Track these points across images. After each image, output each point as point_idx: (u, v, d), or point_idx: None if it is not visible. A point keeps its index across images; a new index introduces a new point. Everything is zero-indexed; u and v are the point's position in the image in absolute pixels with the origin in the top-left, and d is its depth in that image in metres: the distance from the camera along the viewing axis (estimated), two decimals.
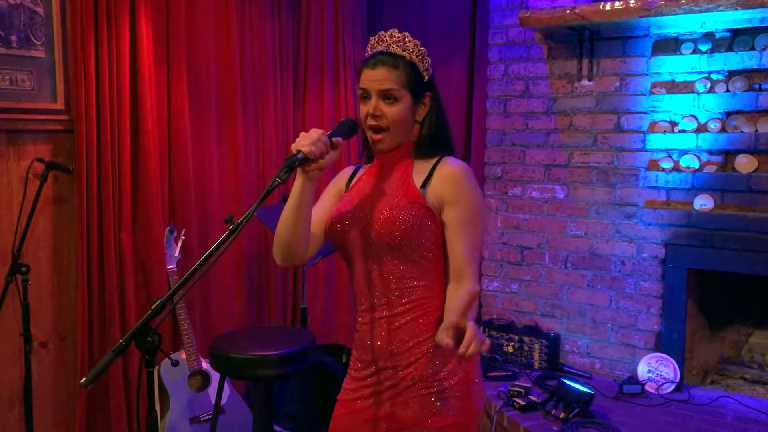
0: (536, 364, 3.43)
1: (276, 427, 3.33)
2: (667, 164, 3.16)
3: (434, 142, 1.70)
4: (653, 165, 3.21)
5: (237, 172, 3.53)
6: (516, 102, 3.58)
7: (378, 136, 1.65)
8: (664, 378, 3.09)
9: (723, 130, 3.04)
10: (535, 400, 2.96)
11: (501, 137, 3.64)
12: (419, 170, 1.67)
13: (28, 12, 2.70)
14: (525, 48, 3.54)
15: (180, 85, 3.19)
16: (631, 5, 2.95)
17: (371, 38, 1.70)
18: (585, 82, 3.37)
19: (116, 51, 2.88)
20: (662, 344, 3.20)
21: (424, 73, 1.67)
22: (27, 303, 2.52)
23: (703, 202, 3.06)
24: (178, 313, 3.01)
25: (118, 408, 2.95)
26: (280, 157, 3.74)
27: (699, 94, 3.09)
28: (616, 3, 2.99)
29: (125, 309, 2.98)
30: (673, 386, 3.07)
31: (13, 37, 2.66)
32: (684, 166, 3.12)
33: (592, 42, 3.30)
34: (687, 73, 3.12)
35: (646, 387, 3.10)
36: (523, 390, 3.04)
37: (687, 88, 3.13)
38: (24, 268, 2.50)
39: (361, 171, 1.79)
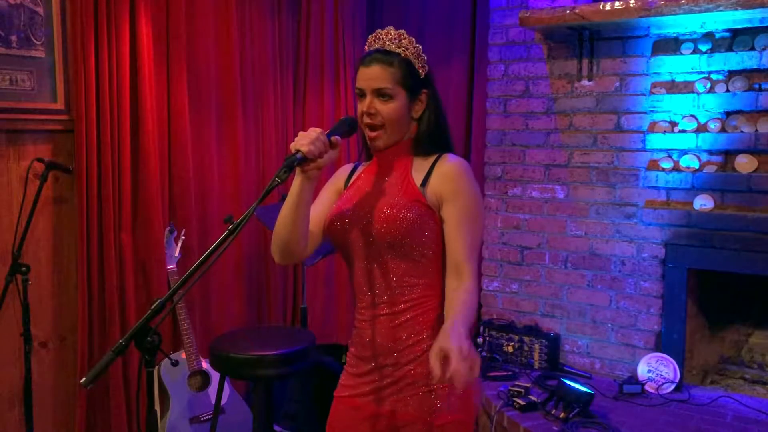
0: (536, 364, 3.43)
1: (276, 427, 3.33)
2: (667, 164, 3.16)
3: (433, 140, 1.70)
4: (653, 165, 3.21)
5: (237, 172, 3.53)
6: (516, 102, 3.58)
7: (374, 134, 1.65)
8: (664, 378, 3.09)
9: (723, 130, 3.04)
10: (535, 400, 2.95)
11: (501, 137, 3.64)
12: (418, 168, 1.67)
13: (28, 12, 2.70)
14: (525, 48, 3.54)
15: (180, 85, 3.19)
16: (631, 5, 2.95)
17: (369, 36, 1.70)
18: (585, 82, 3.37)
19: (116, 51, 2.88)
20: (662, 344, 3.20)
21: (420, 70, 1.67)
22: (27, 303, 2.53)
23: (703, 202, 3.06)
24: (178, 313, 3.01)
25: (118, 408, 2.95)
26: (280, 157, 3.74)
27: (699, 94, 3.09)
28: (616, 3, 2.99)
29: (125, 309, 2.98)
30: (673, 386, 3.07)
31: (13, 37, 2.66)
32: (684, 166, 3.12)
33: (592, 42, 3.30)
34: (687, 73, 3.12)
35: (646, 387, 3.10)
36: (523, 390, 3.04)
37: (687, 88, 3.13)
38: (24, 268, 2.50)
39: (360, 169, 1.79)
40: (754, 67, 2.96)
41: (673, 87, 3.16)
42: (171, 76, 3.17)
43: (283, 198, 1.65)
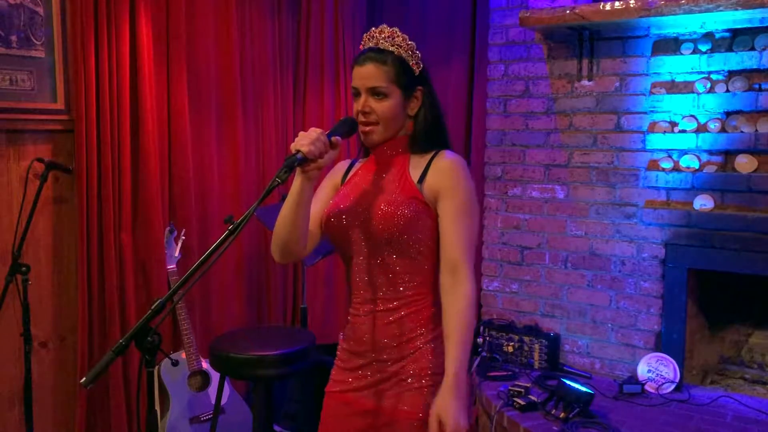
0: (536, 364, 3.43)
1: (276, 427, 3.33)
2: (667, 164, 3.16)
3: (429, 137, 1.71)
4: (653, 165, 3.21)
5: (237, 172, 3.53)
6: (516, 102, 3.58)
7: (368, 128, 1.66)
8: (664, 378, 3.09)
9: (723, 130, 3.04)
10: (535, 400, 2.95)
11: (501, 137, 3.64)
12: (415, 165, 1.68)
13: (28, 12, 2.70)
14: (525, 48, 3.54)
15: (180, 85, 3.19)
16: (631, 5, 2.95)
17: (364, 35, 1.70)
18: (585, 82, 3.37)
19: (116, 51, 2.88)
20: (662, 344, 3.20)
21: (414, 68, 1.68)
22: (27, 303, 2.53)
23: (703, 202, 3.06)
24: (178, 313, 3.01)
25: (118, 408, 2.95)
26: (280, 157, 3.74)
27: (699, 94, 3.09)
28: (616, 3, 2.99)
29: (125, 309, 2.98)
30: (673, 386, 3.07)
31: (13, 37, 2.66)
32: (684, 166, 3.12)
33: (592, 42, 3.30)
34: (687, 73, 3.12)
35: (646, 387, 3.10)
36: (523, 390, 3.04)
37: (687, 88, 3.13)
38: (24, 268, 2.50)
39: (357, 165, 1.80)
40: (754, 67, 2.96)
41: (673, 87, 3.16)
42: (171, 76, 3.17)
43: (283, 198, 1.66)
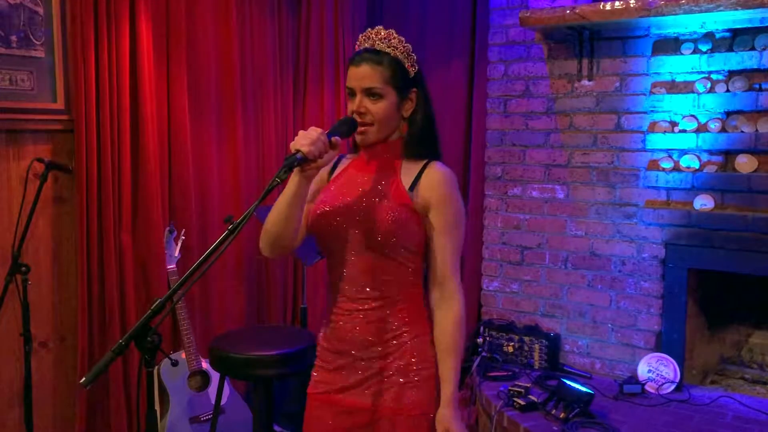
0: (536, 364, 3.43)
1: (276, 427, 3.33)
2: (667, 164, 3.16)
3: (423, 142, 1.72)
4: (653, 165, 3.21)
5: (237, 172, 3.53)
6: (516, 102, 3.58)
7: (362, 129, 1.67)
8: (664, 378, 3.09)
9: (723, 130, 3.04)
10: (535, 400, 2.95)
11: (501, 137, 3.64)
12: (407, 171, 1.70)
13: (28, 12, 2.70)
14: (525, 48, 3.54)
15: (180, 85, 3.19)
16: (631, 5, 2.95)
17: (360, 36, 1.71)
18: (585, 82, 3.37)
19: (116, 51, 2.88)
20: (662, 344, 3.20)
21: (410, 69, 1.68)
22: (27, 303, 2.52)
23: (704, 202, 3.06)
24: (178, 313, 3.01)
25: (118, 408, 2.95)
26: (280, 157, 3.74)
27: (699, 94, 3.09)
28: (616, 3, 2.99)
29: (125, 309, 2.98)
30: (673, 386, 3.07)
31: (13, 37, 2.66)
32: (684, 166, 3.12)
33: (592, 42, 3.30)
34: (687, 73, 3.12)
35: (646, 387, 3.10)
36: (523, 390, 3.04)
37: (687, 88, 3.12)
38: (24, 268, 2.50)
39: (345, 162, 1.80)
40: (755, 67, 2.96)
41: (673, 87, 3.16)
42: (171, 76, 3.17)
43: None
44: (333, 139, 1.57)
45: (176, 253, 3.04)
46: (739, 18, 2.85)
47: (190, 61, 3.26)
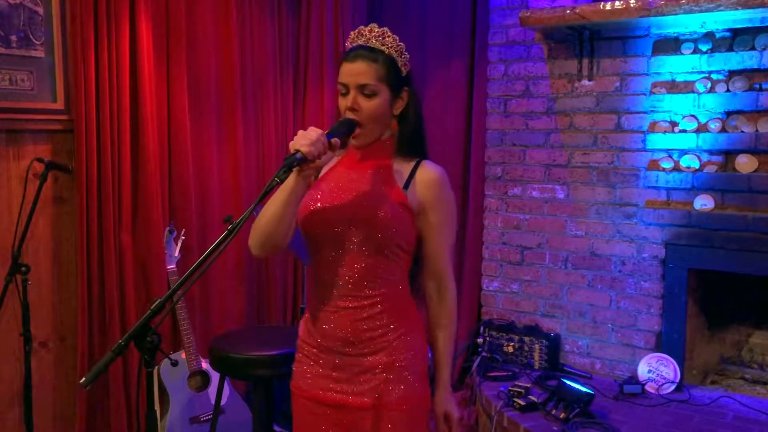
0: (536, 364, 3.42)
1: (276, 427, 3.33)
2: (667, 164, 3.16)
3: (413, 141, 1.73)
4: (653, 165, 3.21)
5: (237, 172, 3.53)
6: (516, 102, 3.58)
7: (357, 131, 1.66)
8: (665, 378, 3.09)
9: (723, 130, 3.04)
10: (536, 400, 2.95)
11: (501, 137, 3.64)
12: (399, 170, 1.71)
13: (28, 12, 2.70)
14: (525, 48, 3.54)
15: (180, 85, 3.19)
16: (631, 5, 2.95)
17: (351, 32, 1.71)
18: (585, 82, 3.37)
19: (116, 51, 2.88)
20: (662, 344, 3.20)
21: (402, 68, 1.69)
22: (27, 303, 2.52)
23: (704, 202, 3.05)
24: (177, 313, 3.00)
25: (118, 408, 2.95)
26: (280, 157, 3.74)
27: (699, 94, 3.09)
28: (616, 3, 2.99)
29: (125, 309, 2.98)
30: (673, 386, 3.07)
31: (13, 37, 2.66)
32: (684, 166, 3.12)
33: (592, 42, 3.30)
34: (687, 73, 3.12)
35: (647, 387, 3.10)
36: (523, 390, 3.04)
37: (687, 88, 3.12)
38: (24, 268, 2.50)
39: (334, 159, 1.79)
40: (755, 67, 2.96)
41: (673, 87, 3.16)
42: (171, 76, 3.16)
43: None
44: (332, 140, 1.57)
45: (176, 253, 3.04)
46: (740, 18, 2.85)
47: (190, 61, 3.26)
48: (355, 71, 1.64)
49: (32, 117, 2.73)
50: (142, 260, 3.07)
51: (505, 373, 3.31)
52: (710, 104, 3.07)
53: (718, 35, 3.04)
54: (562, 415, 2.80)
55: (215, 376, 3.01)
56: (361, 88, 1.64)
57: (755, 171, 2.97)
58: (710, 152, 3.07)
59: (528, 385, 3.10)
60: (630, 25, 3.11)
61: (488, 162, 3.68)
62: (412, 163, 1.72)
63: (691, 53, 3.10)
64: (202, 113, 3.36)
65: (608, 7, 3.01)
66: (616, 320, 3.33)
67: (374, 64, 1.64)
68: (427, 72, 3.84)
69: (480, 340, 3.56)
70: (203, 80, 3.34)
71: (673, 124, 3.16)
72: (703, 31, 3.05)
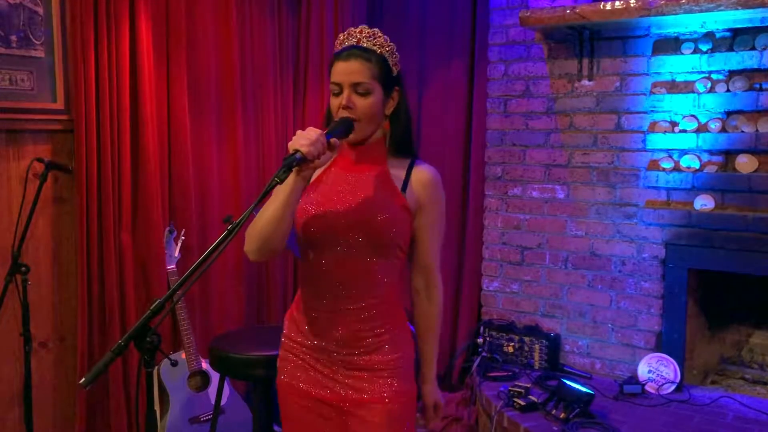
0: (536, 364, 3.42)
1: (276, 428, 3.33)
2: (667, 164, 3.16)
3: (405, 139, 1.75)
4: (654, 165, 3.21)
5: (237, 172, 3.53)
6: (516, 102, 3.58)
7: (354, 129, 1.67)
8: (665, 378, 3.09)
9: (723, 130, 3.04)
10: (536, 400, 2.95)
11: (501, 137, 3.64)
12: (394, 171, 1.72)
13: (27, 12, 2.70)
14: (525, 48, 3.54)
15: (180, 85, 3.19)
16: (632, 5, 2.95)
17: (340, 34, 1.72)
18: (585, 82, 3.37)
19: (116, 51, 2.88)
20: (662, 344, 3.20)
21: (393, 68, 1.70)
22: (27, 303, 2.52)
23: (704, 202, 3.05)
24: (177, 313, 3.00)
25: (118, 408, 2.95)
26: (280, 157, 3.74)
27: (699, 94, 3.09)
28: (616, 3, 2.99)
29: (125, 309, 2.98)
30: (673, 386, 3.07)
31: (13, 37, 2.66)
32: (684, 166, 3.12)
33: (592, 42, 3.30)
34: (687, 72, 3.12)
35: (647, 387, 3.10)
36: (523, 390, 3.04)
37: (687, 87, 3.12)
38: (24, 268, 2.50)
39: (327, 162, 1.78)
40: (755, 66, 2.96)
41: (673, 87, 3.16)
42: (171, 76, 3.16)
43: None
44: (332, 140, 1.57)
45: (176, 253, 3.04)
46: (740, 18, 2.85)
47: (190, 61, 3.26)
48: (349, 70, 1.64)
49: (32, 117, 2.73)
50: (142, 260, 3.07)
51: (505, 373, 3.31)
52: (710, 104, 3.07)
53: (718, 35, 3.04)
54: (562, 415, 2.80)
55: (215, 376, 3.01)
56: (355, 87, 1.64)
57: (755, 171, 2.97)
58: (710, 152, 3.07)
59: (528, 385, 3.10)
60: (630, 25, 3.11)
61: (488, 162, 3.68)
62: (406, 164, 1.74)
63: (691, 53, 3.10)
64: (202, 113, 3.36)
65: (608, 6, 3.01)
66: (616, 320, 3.33)
67: (368, 63, 1.64)
68: (427, 72, 3.84)
69: (480, 340, 3.56)
70: (203, 80, 3.34)
71: (673, 124, 3.16)
72: (703, 31, 3.05)
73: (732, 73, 3.03)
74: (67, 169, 2.73)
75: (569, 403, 2.82)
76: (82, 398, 2.87)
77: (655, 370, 3.12)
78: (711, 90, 3.07)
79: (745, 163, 2.99)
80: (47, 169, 2.61)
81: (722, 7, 2.76)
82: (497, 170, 3.65)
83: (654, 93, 3.20)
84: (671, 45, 3.16)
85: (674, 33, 3.13)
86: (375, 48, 1.67)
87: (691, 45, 3.09)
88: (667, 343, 3.18)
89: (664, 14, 2.89)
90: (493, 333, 3.54)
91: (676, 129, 3.15)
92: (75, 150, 2.81)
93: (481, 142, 3.70)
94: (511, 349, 3.48)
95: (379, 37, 1.69)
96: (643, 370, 3.15)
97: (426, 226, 1.74)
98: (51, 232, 2.84)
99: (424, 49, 3.84)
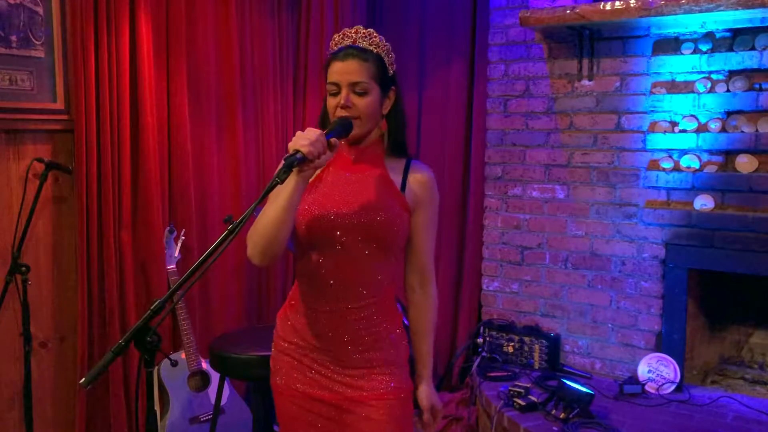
0: (536, 365, 3.42)
1: (276, 428, 3.33)
2: (667, 164, 3.16)
3: (400, 138, 1.76)
4: (654, 165, 3.21)
5: (237, 172, 3.53)
6: (516, 102, 3.58)
7: (353, 129, 1.67)
8: (665, 378, 3.09)
9: (723, 130, 3.04)
10: (536, 400, 2.95)
11: (501, 137, 3.64)
12: (392, 171, 1.73)
13: (27, 12, 2.70)
14: (525, 48, 3.54)
15: (180, 85, 3.19)
16: (632, 5, 2.95)
17: (335, 35, 1.73)
18: (585, 82, 3.37)
19: (116, 51, 2.88)
20: (662, 344, 3.20)
21: (389, 68, 1.72)
22: (27, 303, 2.52)
23: (704, 202, 3.05)
24: (177, 313, 3.00)
25: (118, 408, 2.95)
26: (280, 157, 3.73)
27: (699, 94, 3.09)
28: (617, 3, 2.99)
29: (125, 309, 2.98)
30: (673, 386, 3.07)
31: (13, 37, 2.66)
32: (684, 166, 3.12)
33: (592, 42, 3.30)
34: (687, 73, 3.12)
35: (647, 387, 3.10)
36: (523, 390, 3.04)
37: (687, 88, 3.12)
38: (24, 268, 2.50)
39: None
40: (755, 67, 2.96)
41: (673, 87, 3.16)
42: (171, 76, 3.16)
43: None
44: (332, 140, 1.57)
45: (176, 253, 3.04)
46: (740, 18, 2.85)
47: (190, 61, 3.26)
48: (347, 69, 1.65)
49: (32, 117, 2.73)
50: (142, 260, 3.07)
51: (505, 373, 3.31)
52: (710, 104, 3.07)
53: (718, 35, 3.04)
54: (562, 415, 2.80)
55: (215, 376, 3.01)
56: (353, 86, 1.65)
57: (755, 171, 2.97)
58: (710, 152, 3.07)
59: (528, 385, 3.10)
60: (630, 25, 3.11)
61: (488, 162, 3.68)
62: (402, 164, 1.75)
63: (691, 53, 3.10)
64: (202, 113, 3.36)
65: (608, 7, 3.01)
66: (616, 320, 3.33)
67: (366, 63, 1.65)
68: (427, 72, 3.84)
69: (480, 340, 3.56)
70: (203, 80, 3.34)
71: (673, 124, 3.16)
72: (703, 31, 3.05)
73: (732, 73, 3.03)
74: (67, 169, 2.73)
75: (569, 403, 2.82)
76: (82, 398, 2.87)
77: (655, 370, 3.12)
78: (711, 90, 3.07)
79: (745, 163, 2.99)
80: (47, 169, 2.61)
81: (722, 8, 2.76)
82: (497, 170, 3.65)
83: (654, 93, 3.20)
84: (671, 45, 3.16)
85: (674, 33, 3.13)
86: (371, 48, 1.68)
87: (691, 45, 3.09)
88: (667, 343, 3.18)
89: (664, 14, 2.89)
90: (493, 333, 3.54)
91: (676, 129, 3.15)
92: (75, 150, 2.81)
93: (481, 142, 3.70)
94: (511, 349, 3.48)
95: (375, 37, 1.70)
96: (643, 370, 3.15)
97: (422, 225, 1.76)
98: (51, 232, 2.84)
99: (424, 49, 3.84)
